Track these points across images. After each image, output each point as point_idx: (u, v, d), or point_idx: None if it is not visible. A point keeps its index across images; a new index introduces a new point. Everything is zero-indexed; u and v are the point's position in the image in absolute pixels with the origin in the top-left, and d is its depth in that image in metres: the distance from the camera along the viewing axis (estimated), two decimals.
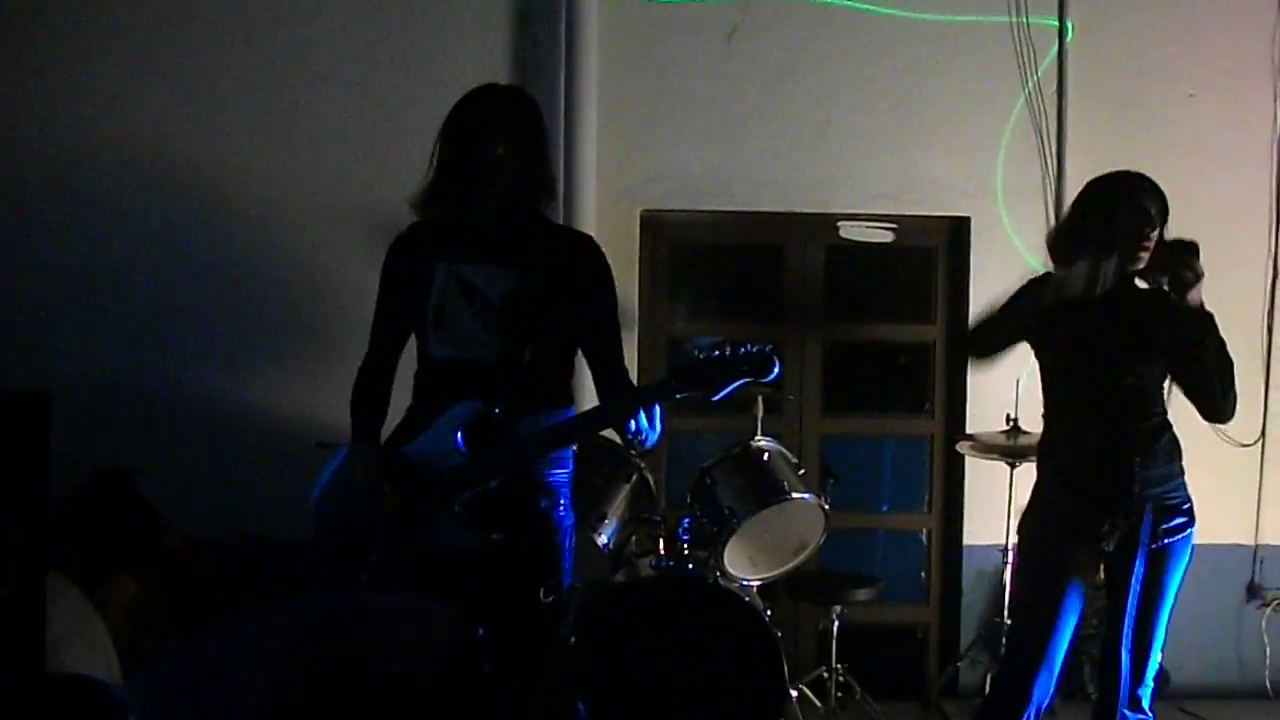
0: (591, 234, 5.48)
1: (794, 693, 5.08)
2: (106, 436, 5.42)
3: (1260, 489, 5.91)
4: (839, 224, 5.90)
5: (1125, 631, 3.99)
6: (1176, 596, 4.06)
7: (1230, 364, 3.98)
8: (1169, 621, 4.07)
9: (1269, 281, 5.89)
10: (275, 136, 5.62)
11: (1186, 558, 4.05)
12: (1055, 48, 5.77)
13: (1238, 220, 5.86)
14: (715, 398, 3.16)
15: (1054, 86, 5.77)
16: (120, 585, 4.76)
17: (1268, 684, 5.91)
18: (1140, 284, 4.03)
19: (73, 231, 5.59)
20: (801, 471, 5.07)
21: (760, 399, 5.14)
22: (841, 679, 5.31)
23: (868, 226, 5.90)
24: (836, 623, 5.26)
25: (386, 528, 3.36)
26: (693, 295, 6.10)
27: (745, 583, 4.98)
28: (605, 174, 5.65)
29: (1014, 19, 5.73)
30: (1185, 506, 4.04)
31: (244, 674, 3.09)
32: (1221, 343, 3.94)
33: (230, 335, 5.63)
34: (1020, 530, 4.25)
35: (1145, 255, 3.93)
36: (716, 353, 3.16)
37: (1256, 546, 5.95)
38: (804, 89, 5.77)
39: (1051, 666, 4.04)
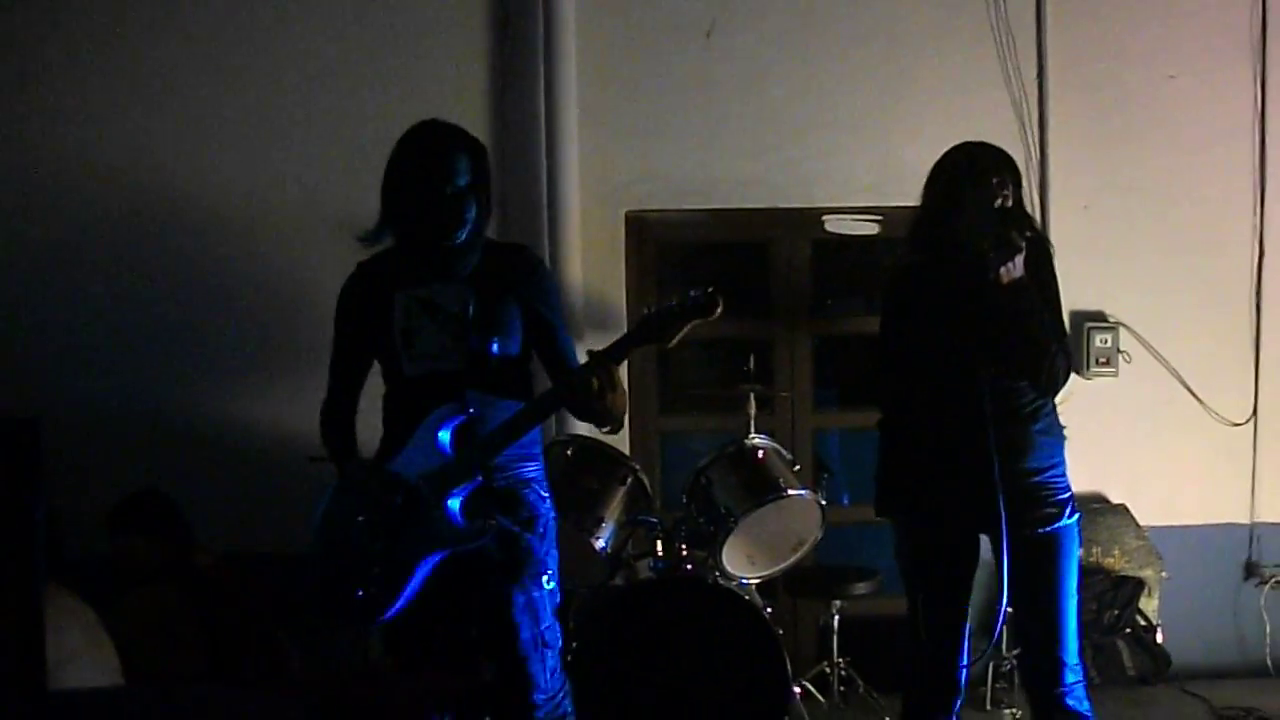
0: (575, 237, 5.57)
1: (797, 689, 5.07)
2: (103, 458, 5.41)
3: (1254, 467, 5.92)
4: (824, 218, 5.89)
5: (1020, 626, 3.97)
6: (1077, 591, 3.89)
7: (1060, 324, 3.85)
8: (1075, 617, 3.89)
9: (1255, 260, 5.89)
10: (261, 153, 5.61)
11: (1072, 549, 3.88)
12: (1035, 33, 5.77)
13: (1222, 200, 5.87)
14: (670, 344, 3.53)
15: (1034, 72, 5.77)
16: (141, 598, 4.73)
17: (1269, 661, 5.92)
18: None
19: (64, 255, 5.58)
20: (797, 468, 5.06)
21: (752, 396, 5.13)
22: (844, 673, 5.30)
23: (853, 219, 5.89)
24: (836, 617, 5.25)
25: (387, 533, 3.54)
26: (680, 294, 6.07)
27: (744, 581, 4.97)
28: (588, 176, 5.64)
29: (992, 5, 5.73)
30: (1059, 498, 3.86)
31: None
32: (1040, 304, 3.74)
33: (222, 351, 5.62)
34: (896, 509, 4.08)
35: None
36: (666, 304, 3.50)
37: (1253, 525, 5.95)
38: (784, 84, 5.77)
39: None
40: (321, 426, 3.80)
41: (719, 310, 3.48)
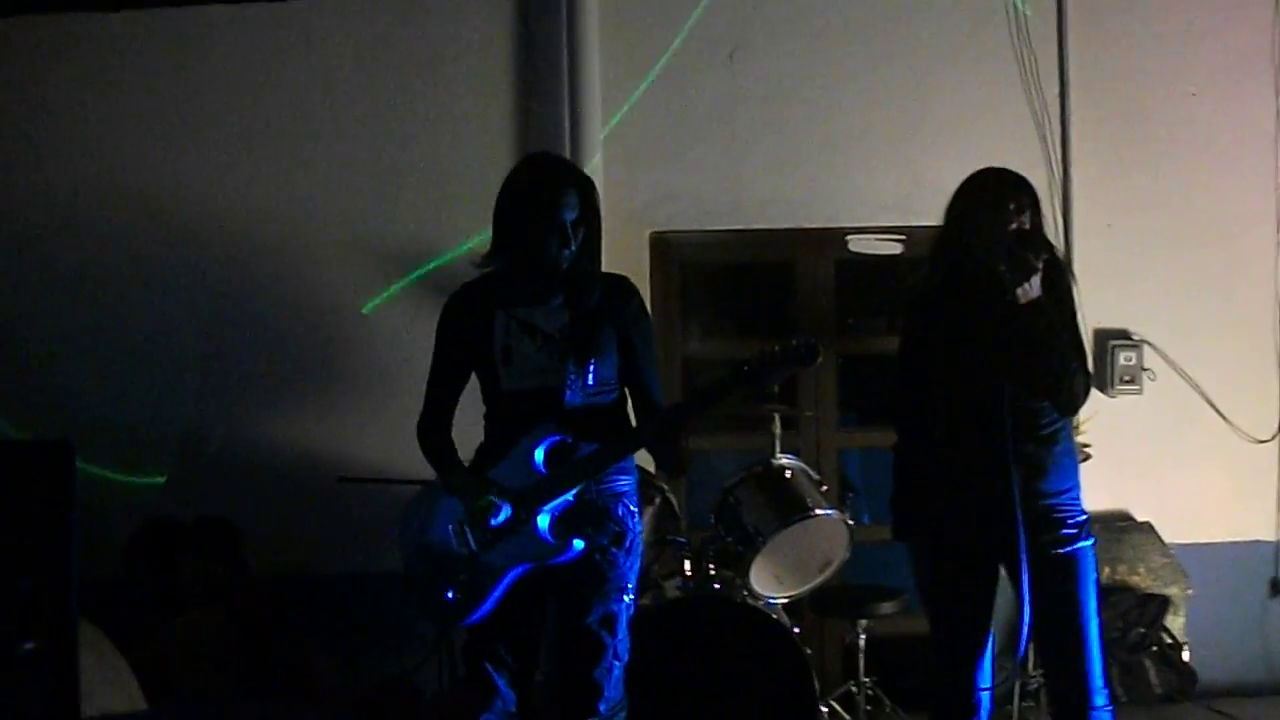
0: (600, 258, 5.58)
1: (824, 709, 5.07)
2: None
3: (1279, 484, 5.90)
4: (847, 238, 5.90)
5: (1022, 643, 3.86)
6: (1098, 613, 3.85)
7: (1079, 343, 3.83)
8: (1098, 639, 3.84)
9: (1278, 277, 5.89)
10: (288, 176, 5.64)
11: (1090, 571, 3.84)
12: (1056, 52, 5.78)
13: (1243, 217, 5.88)
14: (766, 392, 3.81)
15: (1056, 91, 5.79)
16: (194, 621, 4.77)
17: None
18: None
19: (93, 279, 5.62)
20: (824, 488, 5.07)
21: (777, 416, 5.14)
22: (870, 693, 5.29)
23: (876, 239, 5.90)
24: (863, 637, 5.25)
25: (477, 544, 3.72)
26: (704, 315, 6.10)
27: (772, 601, 4.97)
28: (613, 197, 5.62)
29: (1014, 25, 5.75)
30: (1075, 520, 3.85)
31: None
32: (1059, 324, 3.72)
33: (251, 373, 5.64)
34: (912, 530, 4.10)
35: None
36: (764, 354, 3.60)
37: (1278, 542, 5.94)
38: (807, 104, 5.79)
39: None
40: (419, 438, 3.95)
41: (819, 360, 3.60)
